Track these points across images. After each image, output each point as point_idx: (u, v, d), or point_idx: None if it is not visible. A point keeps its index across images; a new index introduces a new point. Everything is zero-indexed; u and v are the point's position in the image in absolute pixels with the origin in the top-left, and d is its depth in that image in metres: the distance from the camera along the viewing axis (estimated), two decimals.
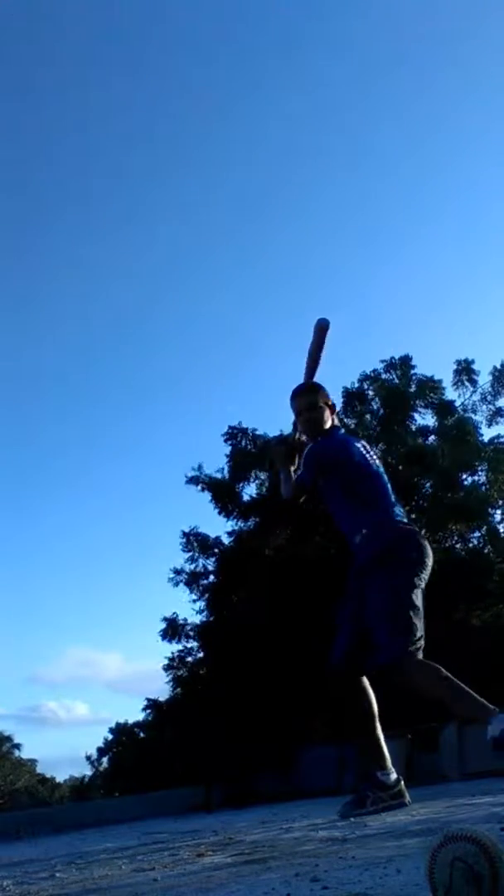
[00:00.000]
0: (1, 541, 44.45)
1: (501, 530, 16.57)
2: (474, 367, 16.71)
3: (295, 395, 3.17)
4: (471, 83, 50.60)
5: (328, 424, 3.13)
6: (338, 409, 3.35)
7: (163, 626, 17.22)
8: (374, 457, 3.15)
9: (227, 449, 17.06)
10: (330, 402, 3.18)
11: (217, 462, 17.61)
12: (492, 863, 1.24)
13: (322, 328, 3.10)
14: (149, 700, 18.71)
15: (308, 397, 3.16)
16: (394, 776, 2.93)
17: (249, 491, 17.33)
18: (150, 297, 54.33)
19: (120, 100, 52.18)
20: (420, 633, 2.76)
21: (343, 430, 3.32)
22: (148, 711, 19.43)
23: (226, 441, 16.98)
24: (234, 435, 16.92)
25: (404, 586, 2.79)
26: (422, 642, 2.77)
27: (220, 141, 50.49)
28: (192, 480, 17.12)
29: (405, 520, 3.04)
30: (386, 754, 2.94)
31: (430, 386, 16.79)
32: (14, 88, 51.01)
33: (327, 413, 3.13)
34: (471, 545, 16.40)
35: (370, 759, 2.98)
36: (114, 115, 53.44)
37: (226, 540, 17.27)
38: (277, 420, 17.15)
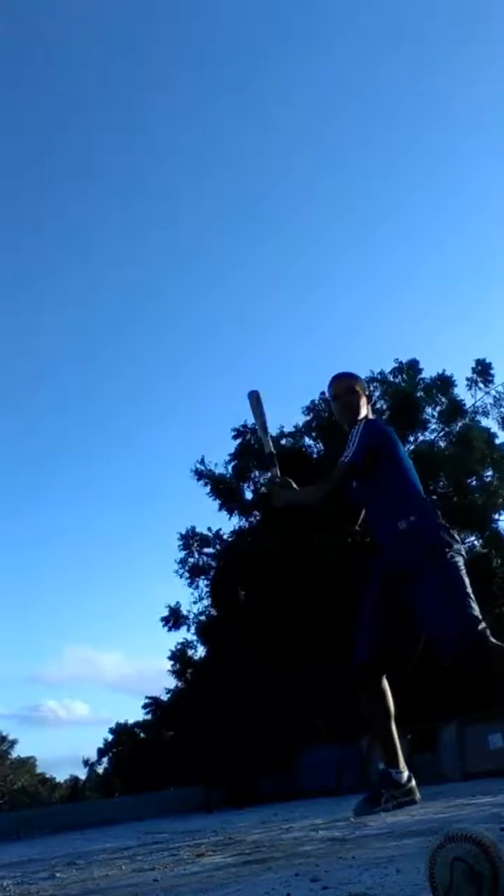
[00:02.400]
0: (0, 539, 44.48)
1: None
2: (492, 370, 16.60)
3: (334, 379, 3.22)
4: (475, 71, 50.59)
5: (363, 412, 3.13)
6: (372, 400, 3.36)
7: (165, 612, 17.23)
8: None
9: (231, 447, 17.15)
10: (366, 392, 3.20)
11: (219, 459, 17.70)
12: (492, 863, 1.24)
13: (254, 398, 3.26)
14: (149, 698, 18.72)
15: (346, 382, 3.19)
16: (406, 774, 2.98)
17: (251, 489, 17.38)
18: (148, 299, 54.32)
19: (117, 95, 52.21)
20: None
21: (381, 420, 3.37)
22: (148, 710, 19.44)
23: (233, 438, 17.07)
24: (242, 433, 17.01)
25: (463, 581, 2.71)
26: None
27: (216, 128, 50.49)
28: (197, 474, 17.19)
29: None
30: (400, 754, 2.99)
31: (439, 385, 16.73)
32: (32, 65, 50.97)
33: (363, 400, 3.15)
34: (474, 549, 16.37)
35: (385, 757, 3.02)
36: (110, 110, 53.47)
37: (227, 537, 17.31)
38: (280, 421, 17.15)
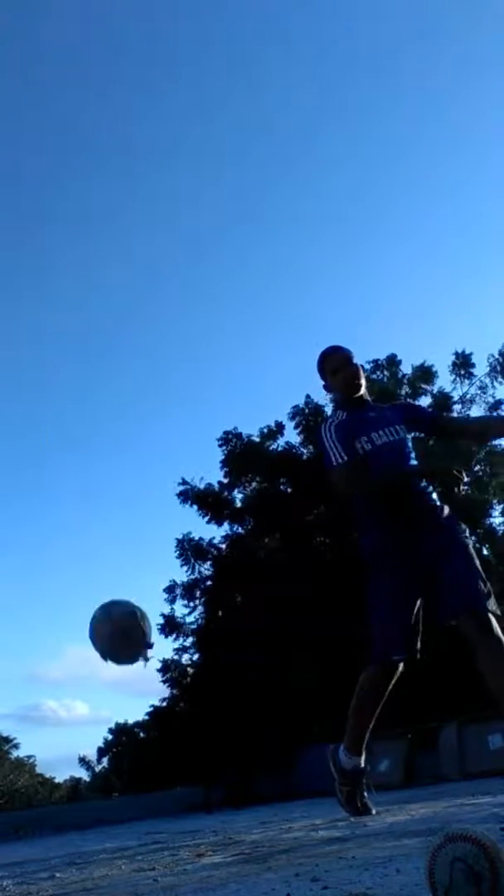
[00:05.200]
0: (0, 538, 44.50)
1: (499, 531, 16.46)
2: (472, 359, 16.50)
3: (344, 348, 3.45)
4: (476, 68, 50.62)
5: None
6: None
7: (161, 621, 17.20)
8: None
9: (221, 454, 17.09)
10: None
11: (212, 464, 17.56)
12: (492, 863, 1.24)
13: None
14: (153, 706, 18.71)
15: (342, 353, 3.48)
16: (359, 764, 3.09)
17: (242, 495, 17.33)
18: (147, 300, 54.35)
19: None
20: None
21: None
22: (151, 714, 19.43)
23: (220, 446, 17.00)
24: (229, 440, 16.97)
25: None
26: None
27: (214, 134, 50.52)
28: (182, 495, 17.03)
29: None
30: (364, 743, 3.15)
31: (420, 376, 16.66)
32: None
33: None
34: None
35: (353, 740, 3.10)
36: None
37: (221, 543, 17.26)
38: (270, 423, 17.06)
